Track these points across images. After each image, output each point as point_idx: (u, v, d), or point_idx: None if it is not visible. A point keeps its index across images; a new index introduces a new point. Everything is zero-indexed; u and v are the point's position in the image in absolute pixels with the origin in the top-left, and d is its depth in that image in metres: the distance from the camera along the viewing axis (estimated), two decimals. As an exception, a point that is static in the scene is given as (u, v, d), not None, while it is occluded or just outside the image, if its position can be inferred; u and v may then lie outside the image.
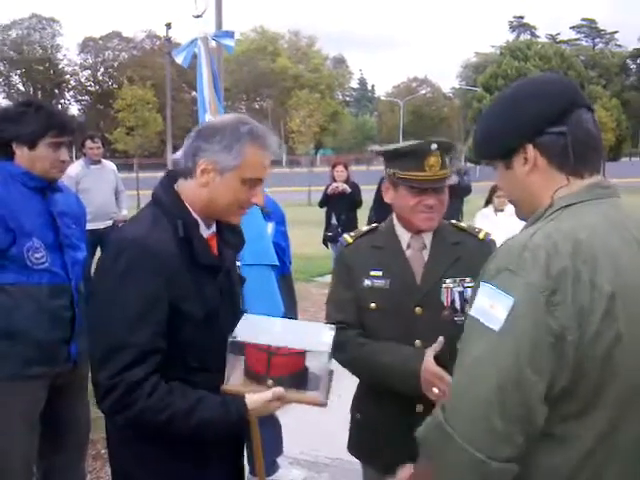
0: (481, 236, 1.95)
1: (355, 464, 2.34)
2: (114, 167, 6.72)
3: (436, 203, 1.85)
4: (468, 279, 1.84)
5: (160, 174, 5.83)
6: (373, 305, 1.89)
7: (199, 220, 1.62)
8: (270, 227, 2.98)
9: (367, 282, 1.90)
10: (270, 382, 1.55)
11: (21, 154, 2.27)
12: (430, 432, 1.18)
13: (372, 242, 1.97)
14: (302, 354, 1.58)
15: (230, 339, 1.56)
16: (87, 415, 2.72)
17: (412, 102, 57.23)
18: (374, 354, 1.87)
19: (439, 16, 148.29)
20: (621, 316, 1.07)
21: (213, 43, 2.87)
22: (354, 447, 2.11)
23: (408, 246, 1.93)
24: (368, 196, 7.40)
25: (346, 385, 2.09)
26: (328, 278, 8.14)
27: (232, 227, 1.73)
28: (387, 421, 1.91)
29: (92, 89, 57.83)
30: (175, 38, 37.34)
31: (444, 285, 1.85)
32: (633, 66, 63.56)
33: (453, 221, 2.01)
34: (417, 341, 1.85)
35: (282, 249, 3.12)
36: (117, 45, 58.12)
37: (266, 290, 2.49)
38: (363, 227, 2.09)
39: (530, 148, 1.24)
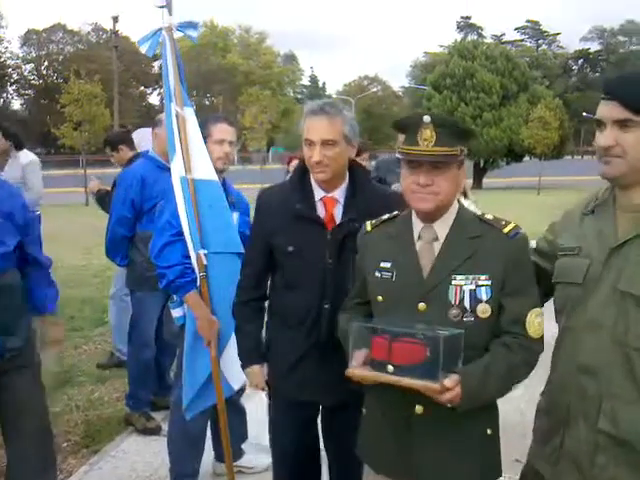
0: (506, 230, 1.75)
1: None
2: (27, 162, 5.80)
3: (428, 182, 1.70)
4: (483, 277, 1.70)
5: (108, 170, 5.67)
6: (380, 298, 1.82)
7: (313, 183, 2.21)
8: (235, 217, 3.02)
9: (377, 274, 1.83)
10: (390, 368, 1.61)
11: None
12: None
13: (387, 231, 1.88)
14: (422, 343, 1.58)
15: (356, 323, 1.72)
16: (37, 400, 2.63)
17: (363, 100, 57.70)
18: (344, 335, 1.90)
19: (389, 16, 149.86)
20: None
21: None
22: (359, 444, 2.00)
23: (419, 237, 1.81)
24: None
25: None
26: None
27: (368, 200, 2.18)
28: (387, 419, 1.84)
29: (36, 83, 55.94)
30: (122, 32, 36.48)
31: (454, 282, 1.71)
32: (575, 67, 65.87)
33: (480, 212, 1.86)
34: None
35: (247, 238, 3.16)
36: (62, 38, 56.40)
37: (233, 277, 2.52)
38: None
39: None
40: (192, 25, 2.80)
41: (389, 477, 1.87)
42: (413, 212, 1.84)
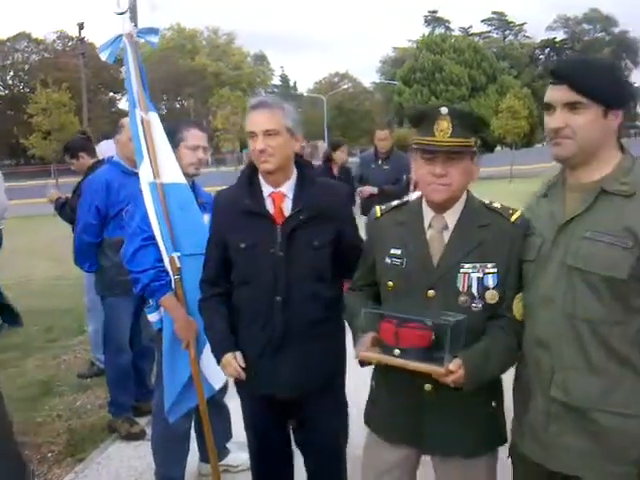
0: (513, 218, 1.83)
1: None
2: None
3: (443, 173, 1.77)
4: (490, 265, 1.78)
5: (78, 179, 5.50)
6: (390, 283, 1.89)
7: (261, 180, 2.28)
8: (206, 218, 3.04)
9: (387, 260, 1.91)
10: (397, 352, 1.71)
11: None
12: None
13: (397, 217, 1.95)
14: (429, 329, 1.68)
15: (364, 310, 1.81)
16: None
17: (335, 97, 57.76)
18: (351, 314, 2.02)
19: (357, 12, 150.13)
20: None
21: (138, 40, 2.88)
22: (366, 413, 2.11)
23: (430, 225, 1.87)
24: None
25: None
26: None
27: (315, 193, 2.24)
28: (395, 394, 1.94)
29: (2, 94, 54.99)
30: (88, 38, 35.98)
31: (462, 270, 1.79)
32: (542, 56, 66.70)
33: (487, 201, 1.92)
34: None
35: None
36: (26, 47, 55.48)
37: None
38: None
39: (621, 112, 1.62)
40: (153, 31, 2.82)
41: (398, 445, 1.97)
42: (424, 200, 1.91)
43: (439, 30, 62.22)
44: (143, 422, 3.92)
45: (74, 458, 3.59)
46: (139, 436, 3.80)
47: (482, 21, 71.97)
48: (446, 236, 1.85)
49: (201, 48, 62.09)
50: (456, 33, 58.46)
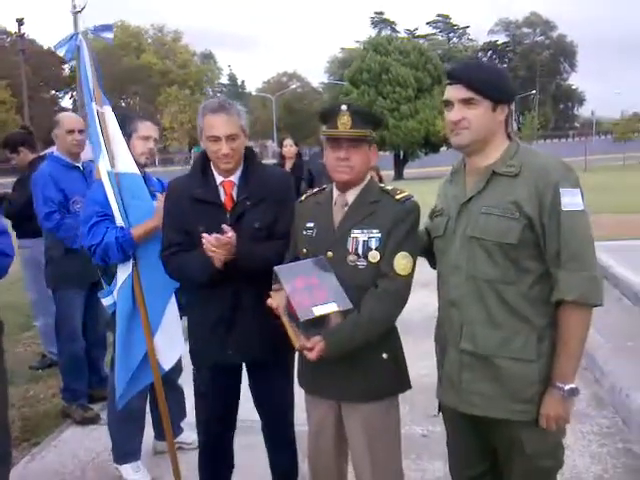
0: (398, 197, 2.20)
1: (256, 426, 2.65)
2: None
3: (347, 156, 2.15)
4: (375, 230, 2.15)
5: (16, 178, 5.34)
6: (304, 250, 2.27)
7: (214, 171, 2.51)
8: (156, 205, 3.20)
9: (304, 232, 2.31)
10: (287, 315, 2.11)
11: None
12: (590, 286, 1.83)
13: (316, 199, 2.36)
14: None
15: (275, 268, 2.16)
16: None
17: (284, 97, 57.89)
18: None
19: (305, 11, 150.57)
20: None
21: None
22: (297, 374, 2.45)
23: (335, 202, 2.27)
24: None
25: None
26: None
27: (259, 180, 2.50)
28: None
29: (-64, 90, 52.68)
30: (28, 34, 34.90)
31: (352, 235, 2.17)
32: (484, 59, 68.61)
33: (382, 185, 2.32)
34: None
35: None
36: (-38, 42, 53.39)
37: (159, 260, 2.71)
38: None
39: (507, 107, 1.94)
40: (107, 28, 2.98)
41: (317, 398, 2.31)
42: (334, 186, 2.31)
43: (385, 32, 63.19)
44: (97, 409, 4.03)
45: (29, 442, 3.69)
46: (94, 420, 3.92)
47: (427, 23, 73.60)
48: (346, 210, 2.24)
49: (147, 46, 61.06)
50: (402, 35, 59.57)
